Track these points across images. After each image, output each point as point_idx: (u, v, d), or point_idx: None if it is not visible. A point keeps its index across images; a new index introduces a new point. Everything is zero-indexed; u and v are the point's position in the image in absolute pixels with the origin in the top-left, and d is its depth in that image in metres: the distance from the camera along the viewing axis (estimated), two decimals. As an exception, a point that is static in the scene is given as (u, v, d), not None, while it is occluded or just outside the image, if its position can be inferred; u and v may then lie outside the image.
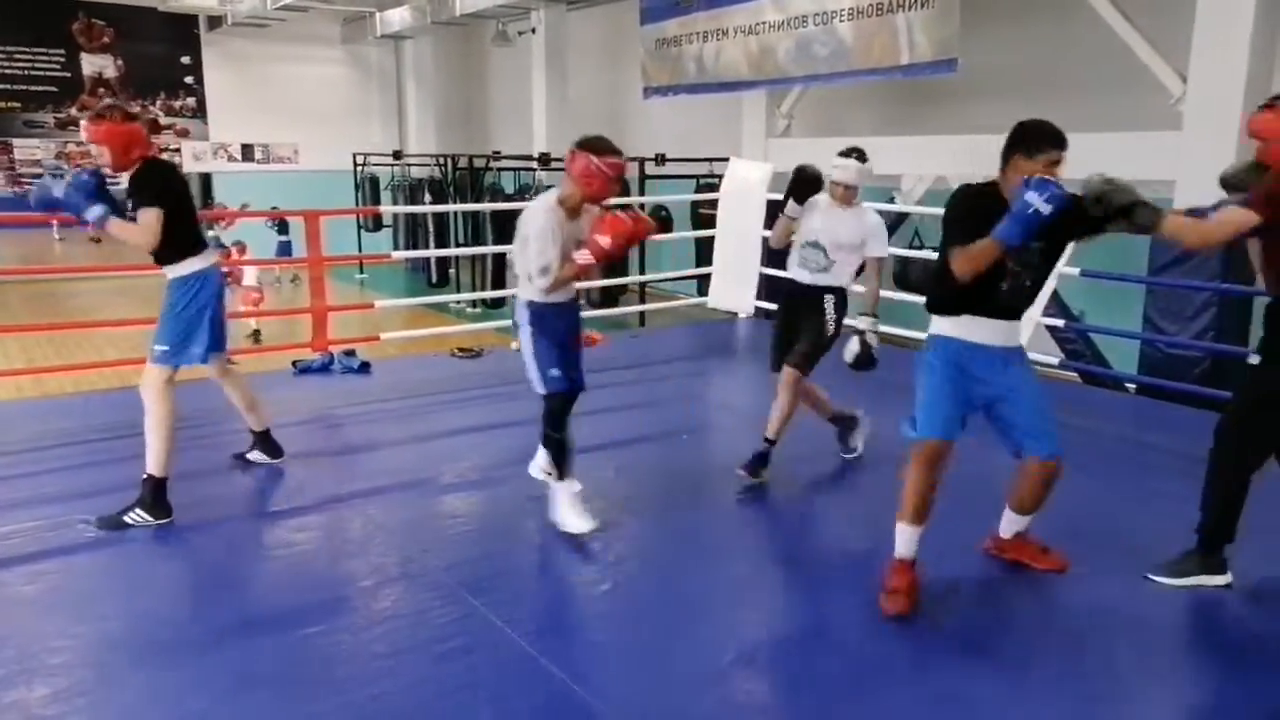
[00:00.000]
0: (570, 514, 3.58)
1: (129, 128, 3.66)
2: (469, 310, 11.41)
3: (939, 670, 2.75)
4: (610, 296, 10.11)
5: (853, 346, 4.07)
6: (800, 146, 8.85)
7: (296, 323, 7.33)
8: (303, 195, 12.22)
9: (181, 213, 3.73)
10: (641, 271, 9.95)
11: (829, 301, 4.15)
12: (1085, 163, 6.93)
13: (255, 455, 4.29)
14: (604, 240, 3.35)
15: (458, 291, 11.82)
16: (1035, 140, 3.08)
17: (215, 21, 15.20)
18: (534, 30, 12.38)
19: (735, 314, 7.93)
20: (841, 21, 7.32)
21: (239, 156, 16.25)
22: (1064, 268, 5.98)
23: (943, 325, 3.12)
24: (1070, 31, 7.36)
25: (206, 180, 17.21)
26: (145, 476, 3.66)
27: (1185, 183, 5.96)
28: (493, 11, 12.47)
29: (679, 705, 2.56)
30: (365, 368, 6.13)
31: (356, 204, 14.86)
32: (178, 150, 15.86)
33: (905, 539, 3.11)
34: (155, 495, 3.66)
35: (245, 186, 15.25)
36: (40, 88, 14.55)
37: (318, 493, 4.08)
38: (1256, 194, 2.98)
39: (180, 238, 3.70)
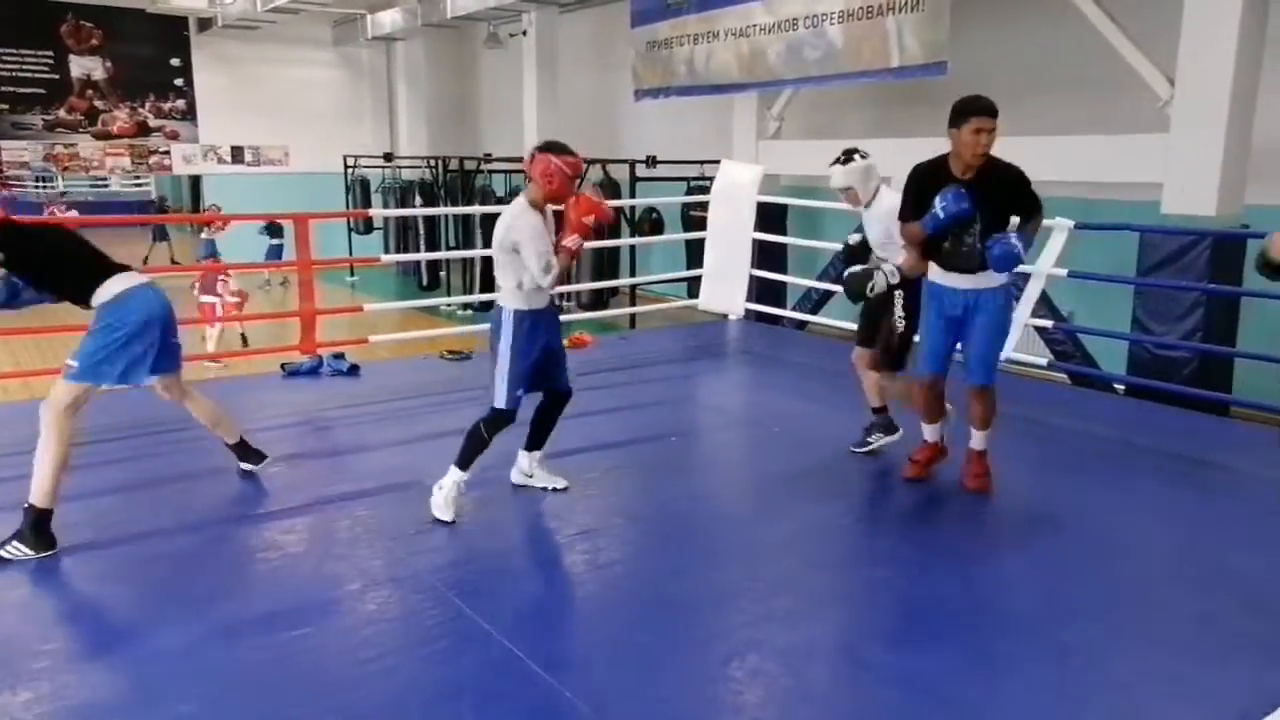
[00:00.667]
0: (446, 503, 3.69)
1: None
2: (459, 313, 11.40)
3: (934, 675, 2.75)
4: (600, 299, 10.11)
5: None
6: (791, 149, 8.87)
7: (286, 326, 7.30)
8: (293, 198, 12.21)
9: (62, 258, 3.63)
10: (632, 273, 9.96)
11: (897, 298, 4.24)
12: (1072, 165, 7.00)
13: (245, 465, 4.24)
14: (587, 220, 3.60)
15: (448, 294, 11.80)
16: (960, 113, 3.77)
17: (205, 23, 15.16)
18: (525, 32, 12.39)
19: (726, 316, 7.93)
20: (832, 24, 7.33)
21: (229, 159, 16.20)
22: (1052, 269, 6.02)
23: (931, 271, 3.95)
24: (1059, 35, 7.39)
25: (196, 183, 17.18)
26: (27, 505, 3.42)
27: (1172, 185, 5.99)
28: (484, 14, 12.46)
29: (668, 707, 2.56)
30: (354, 370, 6.11)
31: (347, 207, 14.84)
32: (167, 153, 15.80)
33: (928, 431, 4.19)
34: (38, 527, 3.41)
35: (235, 189, 15.21)
36: (28, 90, 14.47)
37: (305, 495, 4.07)
38: None
39: (76, 278, 3.59)
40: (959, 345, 4.01)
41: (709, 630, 2.99)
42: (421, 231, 13.29)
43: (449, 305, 11.07)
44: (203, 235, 15.10)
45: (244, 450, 4.23)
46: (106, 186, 21.13)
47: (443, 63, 16.85)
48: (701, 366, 6.52)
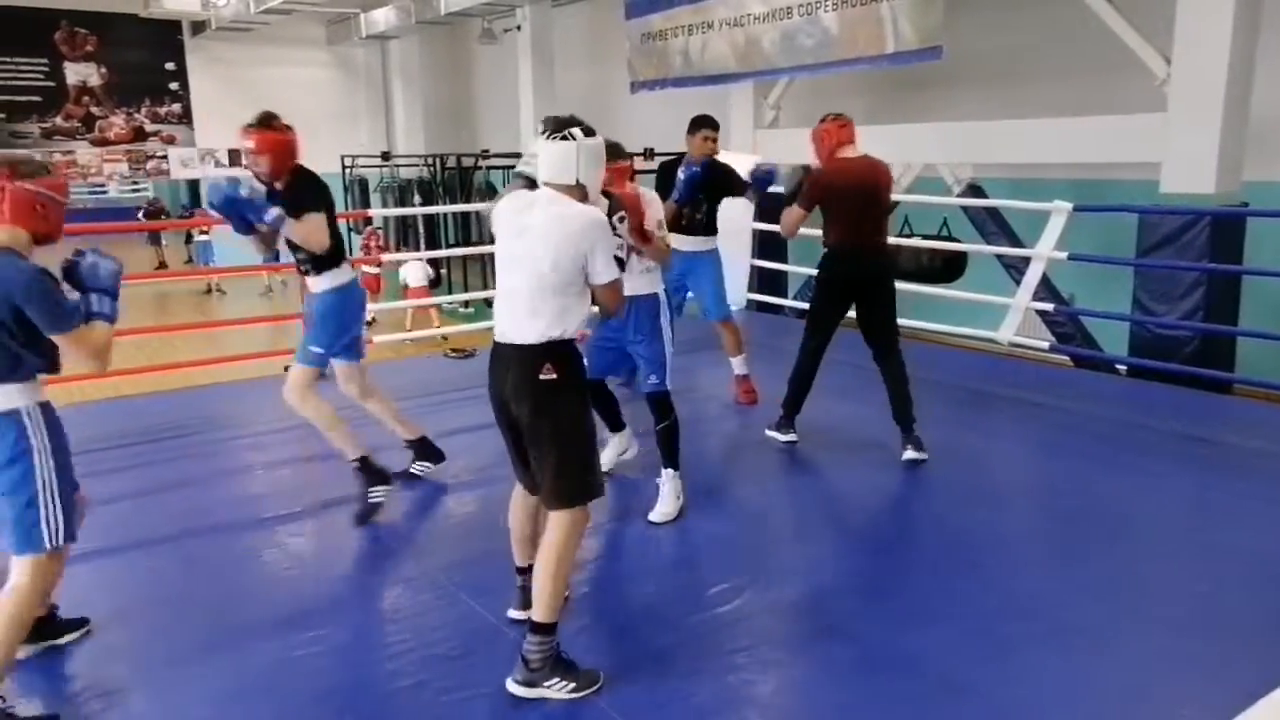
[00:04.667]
0: (675, 509, 3.78)
1: (288, 137, 3.71)
2: (461, 310, 11.40)
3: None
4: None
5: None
6: (789, 137, 8.85)
7: (290, 328, 7.32)
8: (292, 199, 12.17)
9: (332, 221, 3.83)
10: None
11: None
12: (1070, 147, 6.98)
13: (417, 467, 4.34)
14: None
15: (449, 292, 11.80)
16: (693, 126, 5.09)
17: (199, 27, 15.12)
18: (519, 27, 12.35)
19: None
20: (826, 12, 7.31)
21: (226, 162, 16.18)
22: (1052, 252, 6.02)
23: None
24: (1053, 16, 7.37)
25: (195, 187, 17.16)
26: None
27: (1171, 164, 5.98)
28: (478, 9, 12.42)
29: (682, 699, 2.58)
30: (359, 371, 6.12)
31: (345, 207, 14.80)
32: (164, 158, 15.79)
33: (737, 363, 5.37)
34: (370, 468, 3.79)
35: (234, 192, 15.19)
36: (25, 98, 14.45)
37: (314, 496, 4.09)
38: None
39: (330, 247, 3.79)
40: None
41: (714, 621, 3.00)
42: (421, 230, 13.28)
43: (450, 303, 11.08)
44: (198, 238, 15.10)
45: (424, 448, 4.30)
46: (105, 193, 21.11)
47: (438, 60, 16.82)
48: (703, 358, 6.51)
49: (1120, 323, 6.33)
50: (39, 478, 2.50)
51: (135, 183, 18.30)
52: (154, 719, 2.57)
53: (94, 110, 15.04)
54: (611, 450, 4.17)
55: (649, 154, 10.31)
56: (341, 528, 3.80)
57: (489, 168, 12.54)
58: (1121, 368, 6.15)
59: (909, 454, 4.29)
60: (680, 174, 4.79)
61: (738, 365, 5.39)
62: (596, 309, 2.75)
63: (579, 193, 2.58)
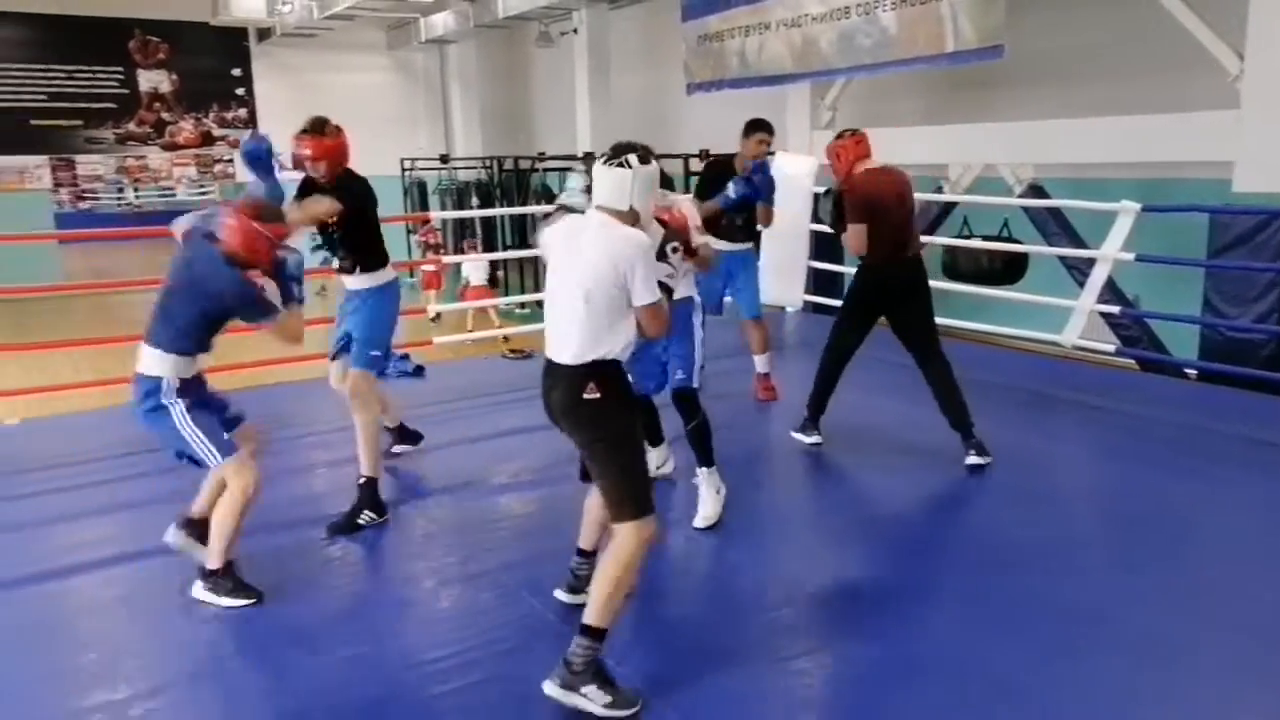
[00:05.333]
0: (716, 510, 3.78)
1: (339, 142, 3.93)
2: (518, 312, 11.52)
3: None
4: (657, 293, 10.12)
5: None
6: (845, 138, 8.78)
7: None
8: (352, 202, 12.40)
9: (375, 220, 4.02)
10: None
11: None
12: (1137, 146, 6.80)
13: (400, 449, 4.62)
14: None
15: (506, 294, 11.93)
16: (748, 129, 5.10)
17: (264, 33, 15.51)
18: (576, 31, 12.44)
19: (784, 308, 7.91)
20: (885, 11, 7.24)
21: (289, 165, 16.56)
22: (1119, 253, 5.89)
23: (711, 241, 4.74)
24: (1120, 13, 7.20)
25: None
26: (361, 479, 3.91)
27: (1244, 163, 5.80)
28: (535, 13, 12.54)
29: (737, 700, 2.59)
30: (420, 371, 6.24)
31: (405, 209, 15.05)
32: (230, 161, 16.22)
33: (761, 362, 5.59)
34: (373, 494, 3.89)
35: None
36: (100, 105, 14.98)
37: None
38: None
39: (375, 246, 4.00)
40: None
41: (769, 622, 3.01)
42: (479, 232, 13.43)
43: (507, 304, 11.20)
44: None
45: (402, 432, 4.58)
46: (174, 196, 21.76)
47: (495, 64, 17.01)
48: (737, 363, 6.50)
49: (1189, 326, 6.16)
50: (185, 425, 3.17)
51: (202, 186, 18.81)
52: (226, 711, 2.65)
53: (164, 116, 15.52)
54: (650, 463, 4.11)
55: (704, 155, 10.30)
56: (403, 526, 3.88)
57: (545, 170, 12.64)
58: (1190, 371, 5.99)
59: (971, 459, 4.23)
60: (733, 187, 4.71)
61: (760, 363, 5.57)
62: None
63: (630, 218, 2.62)
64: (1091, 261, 6.26)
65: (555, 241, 2.71)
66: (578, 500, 3.89)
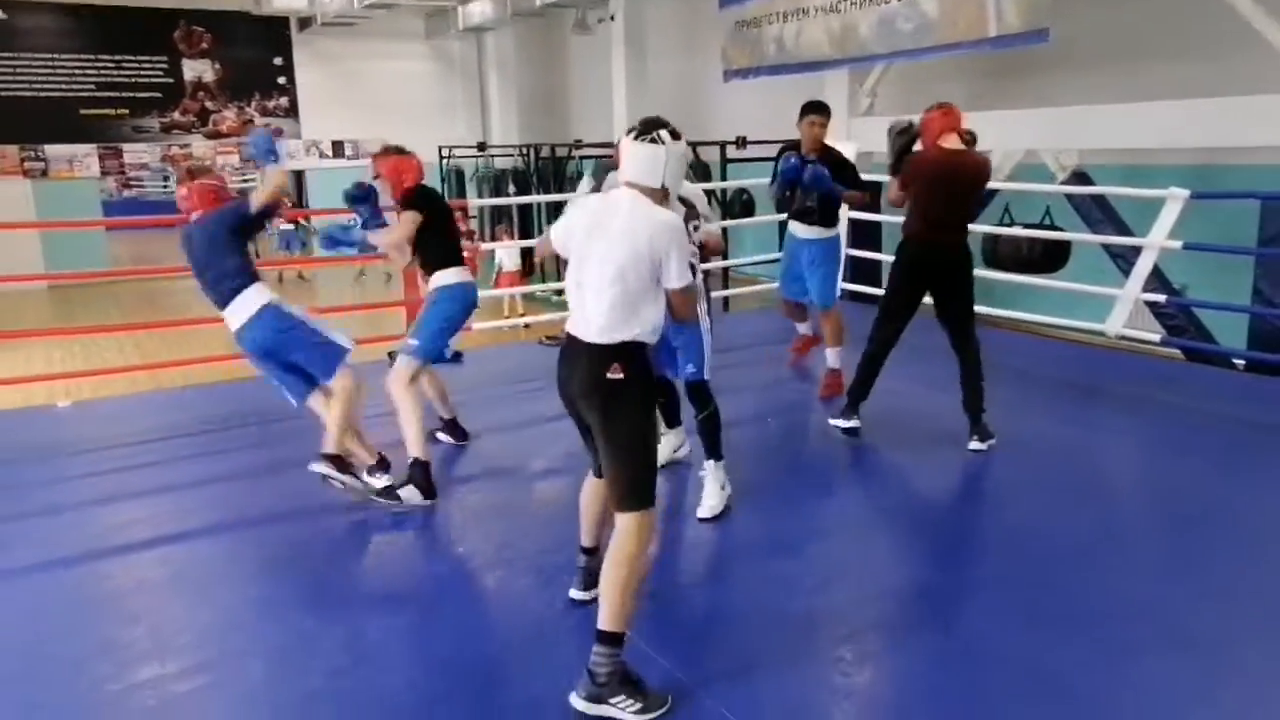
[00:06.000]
0: (721, 501, 3.75)
1: (402, 160, 4.22)
2: (554, 299, 11.56)
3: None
4: (693, 281, 10.11)
5: None
6: (885, 125, 8.68)
7: (389, 316, 7.55)
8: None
9: (446, 228, 4.24)
10: (724, 256, 9.93)
11: None
12: (1187, 131, 6.64)
13: (442, 436, 4.68)
14: None
15: (543, 281, 11.98)
16: (801, 112, 5.04)
17: (305, 22, 15.67)
18: (613, 17, 12.41)
19: (820, 296, 7.85)
20: (926, -5, 7.15)
21: (330, 153, 16.75)
22: (1166, 241, 5.77)
23: (790, 225, 5.37)
24: (1169, -6, 7.05)
25: (299, 178, 17.80)
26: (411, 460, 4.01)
27: (1298, 148, 5.66)
28: (572, 0, 12.55)
29: (780, 689, 2.59)
30: (458, 357, 6.26)
31: (442, 197, 15.15)
32: (272, 149, 16.42)
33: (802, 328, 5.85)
34: (425, 476, 3.98)
35: (336, 183, 15.71)
36: (146, 94, 15.25)
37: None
38: None
39: (443, 251, 4.20)
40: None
41: (817, 610, 3.01)
42: (516, 219, 13.49)
43: (544, 290, 11.25)
44: (281, 227, 15.60)
45: (452, 426, 4.70)
46: (217, 184, 22.09)
47: (532, 51, 17.04)
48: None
49: (1237, 315, 6.03)
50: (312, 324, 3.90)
51: (245, 174, 19.08)
52: (271, 685, 2.71)
53: (208, 105, 15.75)
54: (665, 446, 4.06)
55: (741, 143, 10.25)
56: (443, 511, 3.93)
57: (582, 158, 12.66)
58: (1239, 361, 5.87)
59: (974, 444, 4.29)
60: (779, 165, 4.91)
61: (831, 358, 5.38)
62: None
63: (660, 195, 2.58)
64: (1137, 249, 6.15)
65: (578, 225, 2.62)
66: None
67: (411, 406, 4.03)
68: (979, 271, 7.02)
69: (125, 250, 17.46)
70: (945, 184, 4.24)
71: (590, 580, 2.92)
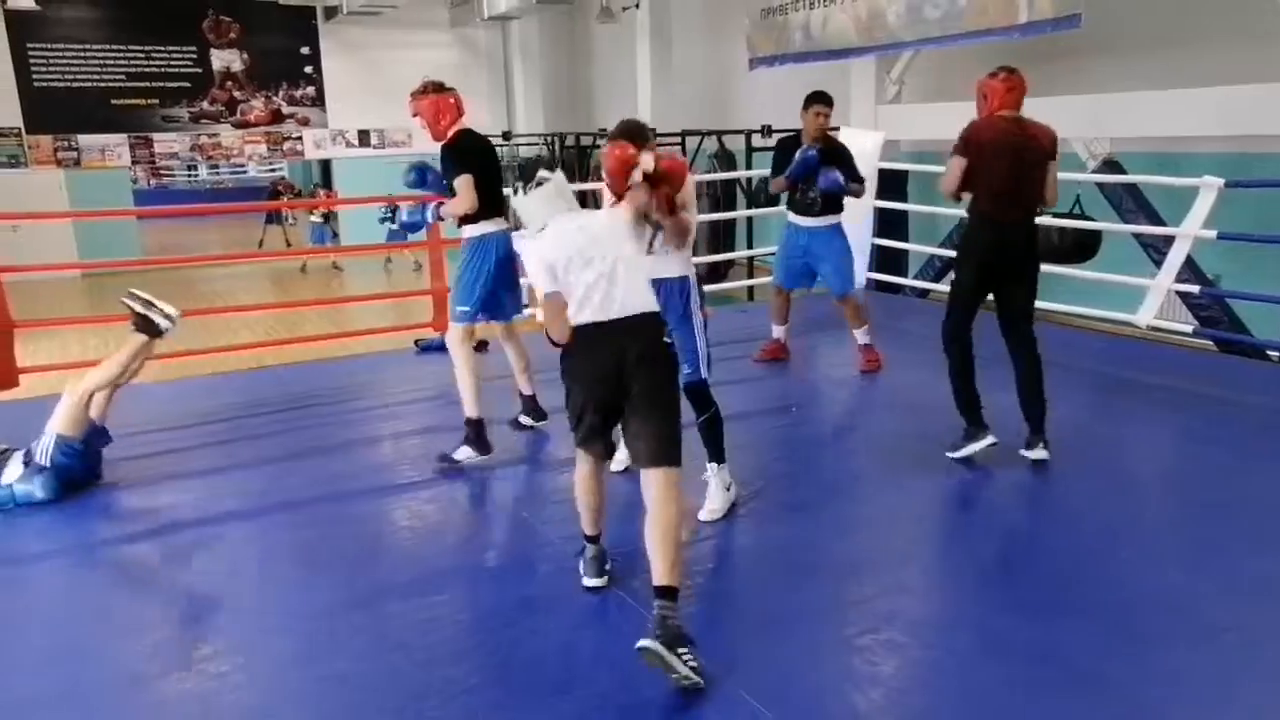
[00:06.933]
0: (725, 503, 3.65)
1: (440, 99, 4.19)
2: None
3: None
4: (718, 271, 10.10)
5: None
6: (912, 113, 8.61)
7: (418, 304, 7.60)
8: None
9: (482, 178, 4.15)
10: (749, 245, 9.91)
11: None
12: (1223, 119, 6.52)
13: (524, 419, 4.65)
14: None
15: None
16: (806, 103, 5.13)
17: (331, 11, 15.74)
18: (637, 5, 12.38)
19: (847, 285, 7.81)
20: (955, -19, 7.06)
21: (356, 142, 16.84)
22: (1200, 231, 5.69)
23: (790, 215, 5.42)
24: (1205, -22, 6.92)
25: (326, 166, 17.92)
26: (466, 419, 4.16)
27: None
28: (597, -12, 12.54)
29: (803, 676, 2.60)
30: (483, 346, 6.31)
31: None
32: (299, 139, 16.54)
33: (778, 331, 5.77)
34: (477, 433, 4.13)
35: (362, 172, 15.81)
36: (175, 84, 15.40)
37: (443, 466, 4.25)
38: None
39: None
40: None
41: (840, 600, 3.01)
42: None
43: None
44: (311, 219, 15.74)
45: (534, 406, 4.63)
46: (245, 173, 22.28)
47: (556, 40, 17.02)
48: (822, 337, 6.46)
49: (1272, 306, 5.94)
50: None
51: (272, 164, 19.21)
52: (298, 669, 2.75)
53: (236, 94, 15.88)
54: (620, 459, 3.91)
55: (766, 131, 10.20)
56: (472, 495, 3.96)
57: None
58: (1273, 353, 5.78)
59: (1036, 453, 4.02)
60: (798, 155, 4.97)
61: (861, 335, 5.46)
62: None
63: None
64: (1169, 239, 6.06)
65: (569, 241, 2.83)
66: (637, 473, 3.91)
67: (463, 364, 4.17)
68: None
69: (155, 239, 17.67)
70: (990, 148, 3.90)
71: (602, 565, 3.07)
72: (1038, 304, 4.14)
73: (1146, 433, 4.64)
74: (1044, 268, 4.62)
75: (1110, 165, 7.28)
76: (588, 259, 2.79)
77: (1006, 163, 3.89)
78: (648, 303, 2.82)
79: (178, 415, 5.05)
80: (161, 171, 16.18)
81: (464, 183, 4.06)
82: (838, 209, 5.28)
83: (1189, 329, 6.07)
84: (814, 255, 5.33)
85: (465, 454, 4.14)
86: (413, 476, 4.16)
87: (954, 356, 4.09)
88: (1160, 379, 5.36)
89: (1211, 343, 6.25)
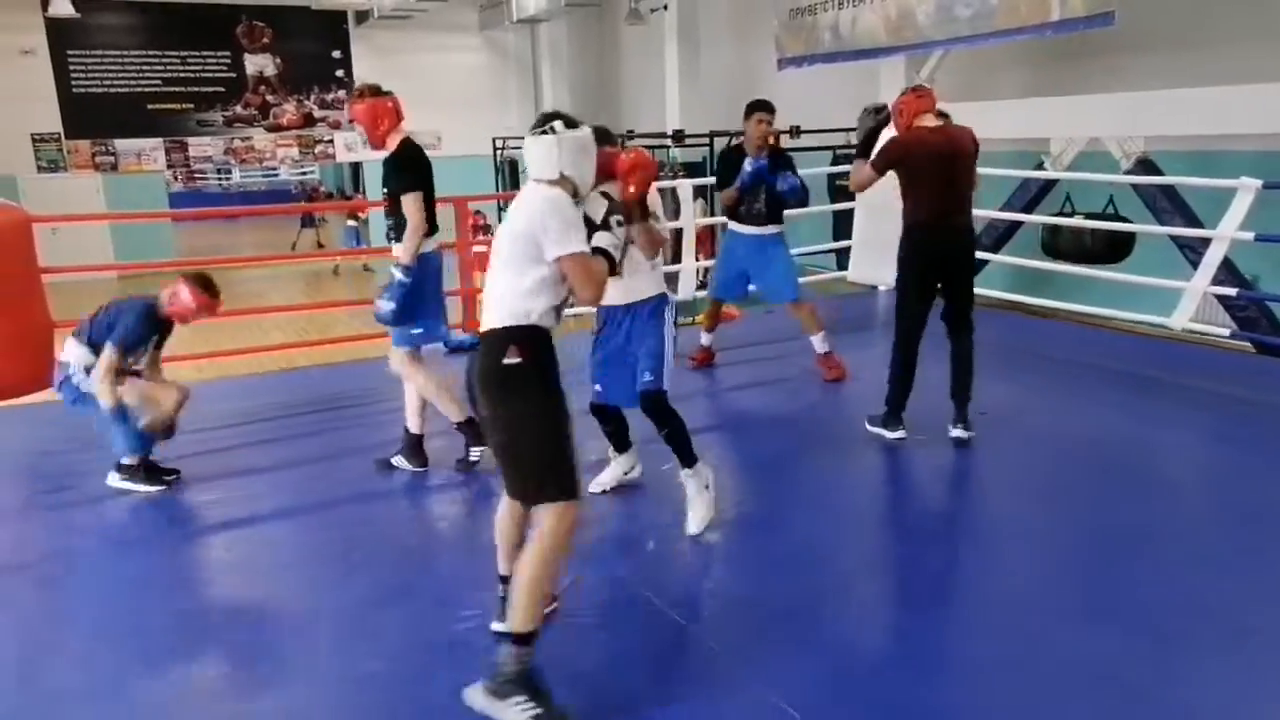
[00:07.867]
0: (709, 505, 3.51)
1: (378, 103, 3.94)
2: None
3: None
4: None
5: None
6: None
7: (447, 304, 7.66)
8: (446, 181, 12.65)
9: (428, 194, 3.96)
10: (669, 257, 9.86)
11: None
12: (1262, 117, 6.39)
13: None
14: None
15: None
16: (747, 110, 5.11)
17: (363, 16, 15.91)
18: (665, 7, 12.39)
19: (875, 287, 7.77)
20: (986, -21, 7.00)
21: (386, 145, 17.01)
22: (1236, 233, 5.59)
23: (733, 225, 5.36)
24: (1242, -26, 6.81)
25: (357, 170, 18.10)
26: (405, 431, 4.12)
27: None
28: (625, -10, 12.57)
29: (834, 679, 2.59)
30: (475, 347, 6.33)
31: (496, 188, 15.30)
32: (330, 142, 16.73)
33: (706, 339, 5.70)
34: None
35: (393, 174, 15.97)
36: (209, 89, 15.64)
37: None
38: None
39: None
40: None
41: (865, 602, 2.99)
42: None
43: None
44: (348, 224, 15.90)
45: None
46: (277, 176, 22.56)
47: (585, 42, 17.08)
48: (851, 339, 6.42)
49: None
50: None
51: (304, 167, 19.45)
52: (329, 667, 2.77)
53: (269, 98, 16.09)
54: (616, 469, 3.85)
55: (795, 132, 10.16)
56: (495, 497, 3.97)
57: (635, 148, 12.66)
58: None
59: (957, 431, 4.20)
60: (747, 165, 4.98)
61: (818, 343, 5.37)
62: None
63: (567, 186, 2.51)
64: (1206, 240, 5.97)
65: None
66: (660, 472, 3.91)
67: (423, 377, 4.02)
68: (1039, 263, 6.91)
69: (188, 242, 17.93)
70: (943, 162, 4.04)
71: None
72: (1069, 305, 4.12)
73: (1179, 434, 4.58)
74: (1075, 269, 4.60)
75: (1145, 165, 7.19)
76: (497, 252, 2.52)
77: (940, 174, 4.06)
78: (498, 317, 2.44)
79: (212, 416, 5.11)
80: (195, 175, 16.42)
81: (414, 201, 3.85)
82: (780, 219, 5.29)
83: (1226, 332, 5.97)
84: (756, 265, 5.30)
85: (400, 463, 4.11)
86: (443, 478, 4.17)
87: (898, 363, 4.26)
88: (1195, 380, 5.28)
89: (1249, 344, 6.14)
